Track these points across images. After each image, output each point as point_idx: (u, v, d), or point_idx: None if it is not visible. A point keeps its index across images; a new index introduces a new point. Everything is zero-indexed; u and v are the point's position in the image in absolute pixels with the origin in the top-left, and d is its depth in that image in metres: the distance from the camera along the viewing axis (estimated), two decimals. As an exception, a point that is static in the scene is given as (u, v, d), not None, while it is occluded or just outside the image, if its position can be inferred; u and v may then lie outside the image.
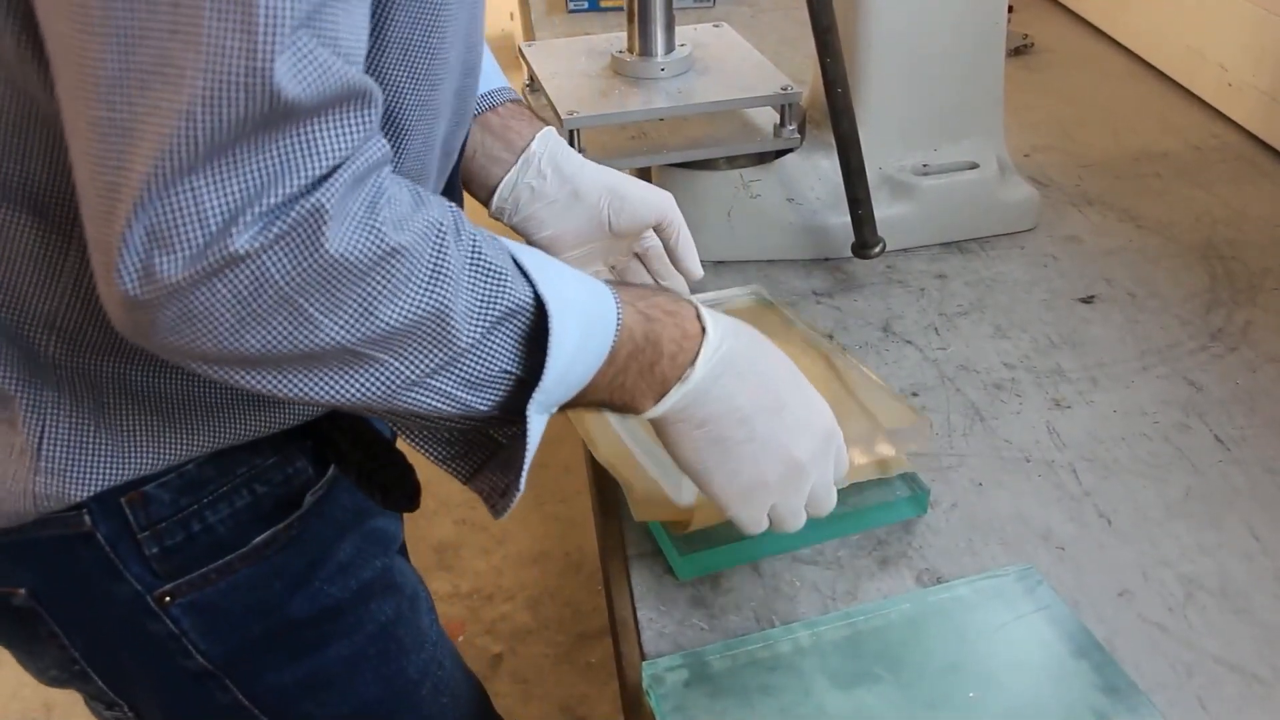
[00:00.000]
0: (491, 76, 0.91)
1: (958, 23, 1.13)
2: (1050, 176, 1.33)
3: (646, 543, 0.82)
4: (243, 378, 0.53)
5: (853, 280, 1.14)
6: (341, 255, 0.50)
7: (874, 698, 0.68)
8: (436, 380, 0.56)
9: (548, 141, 0.89)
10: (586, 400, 0.64)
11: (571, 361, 0.59)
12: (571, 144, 1.10)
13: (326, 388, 0.54)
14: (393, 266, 0.52)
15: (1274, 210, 1.24)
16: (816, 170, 1.16)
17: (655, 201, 0.91)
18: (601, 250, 0.92)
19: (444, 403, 0.58)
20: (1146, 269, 1.14)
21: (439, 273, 0.54)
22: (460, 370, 0.57)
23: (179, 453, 0.66)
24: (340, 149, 0.49)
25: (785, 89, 1.13)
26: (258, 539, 0.71)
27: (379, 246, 0.51)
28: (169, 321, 0.49)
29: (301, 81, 0.46)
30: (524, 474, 0.62)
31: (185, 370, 0.63)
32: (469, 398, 0.58)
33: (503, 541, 2.18)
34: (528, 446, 0.60)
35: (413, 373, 0.55)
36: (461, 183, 0.86)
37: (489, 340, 0.57)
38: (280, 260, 0.49)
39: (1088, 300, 1.10)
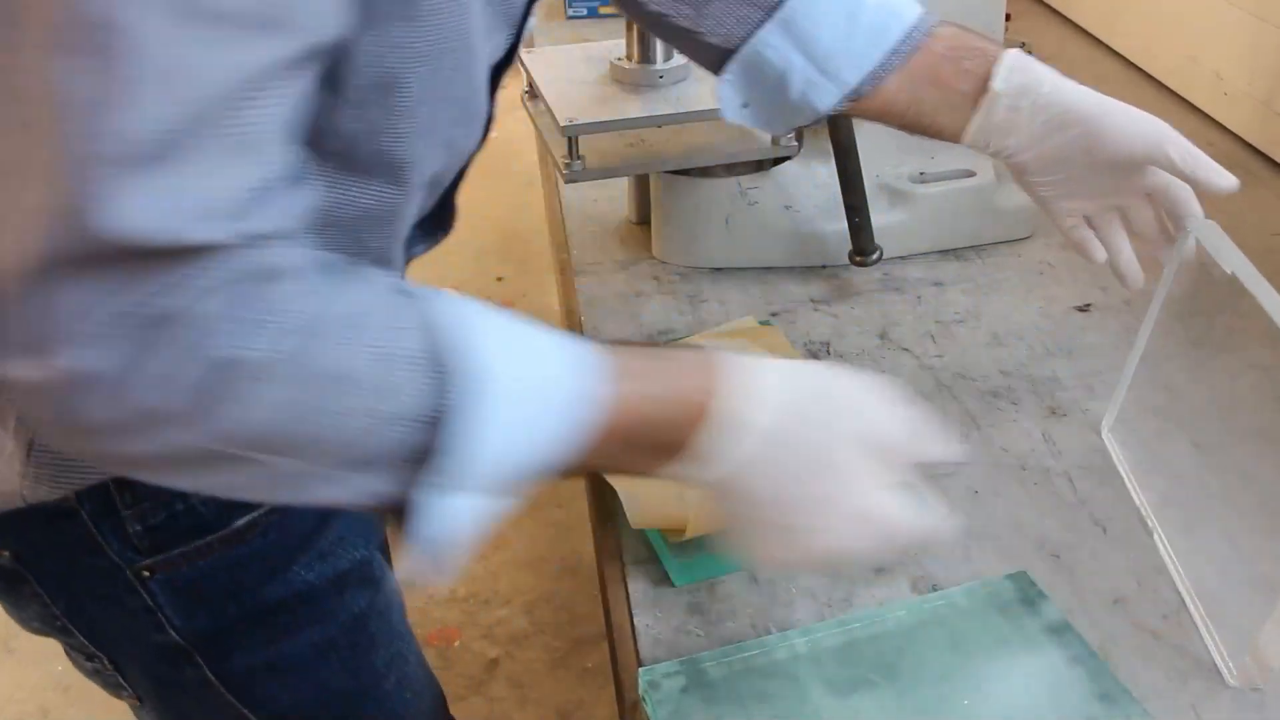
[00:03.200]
0: (900, 10, 0.81)
1: (955, 31, 1.13)
2: (1047, 184, 1.33)
3: (643, 549, 0.83)
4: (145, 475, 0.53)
5: (850, 288, 1.14)
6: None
7: (870, 705, 0.69)
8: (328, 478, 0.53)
9: (1011, 76, 0.79)
10: (572, 471, 0.58)
11: (502, 451, 0.53)
12: (570, 151, 1.10)
13: (214, 485, 0.53)
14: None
15: (1268, 218, 1.25)
16: (814, 178, 1.16)
17: (1141, 132, 0.78)
18: (1090, 184, 0.82)
19: (349, 495, 0.54)
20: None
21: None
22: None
23: None
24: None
25: (783, 96, 1.13)
26: (239, 522, 0.71)
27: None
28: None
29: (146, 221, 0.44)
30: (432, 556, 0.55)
31: None
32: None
33: (499, 546, 2.18)
34: (425, 525, 0.54)
35: (295, 470, 0.52)
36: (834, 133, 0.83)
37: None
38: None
39: (1084, 309, 1.10)
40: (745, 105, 0.85)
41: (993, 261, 1.18)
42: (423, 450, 0.51)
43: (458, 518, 0.54)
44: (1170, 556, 0.80)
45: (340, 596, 0.78)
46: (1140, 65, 1.62)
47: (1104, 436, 0.91)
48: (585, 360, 0.57)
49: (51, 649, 0.80)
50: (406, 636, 0.87)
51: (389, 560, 0.88)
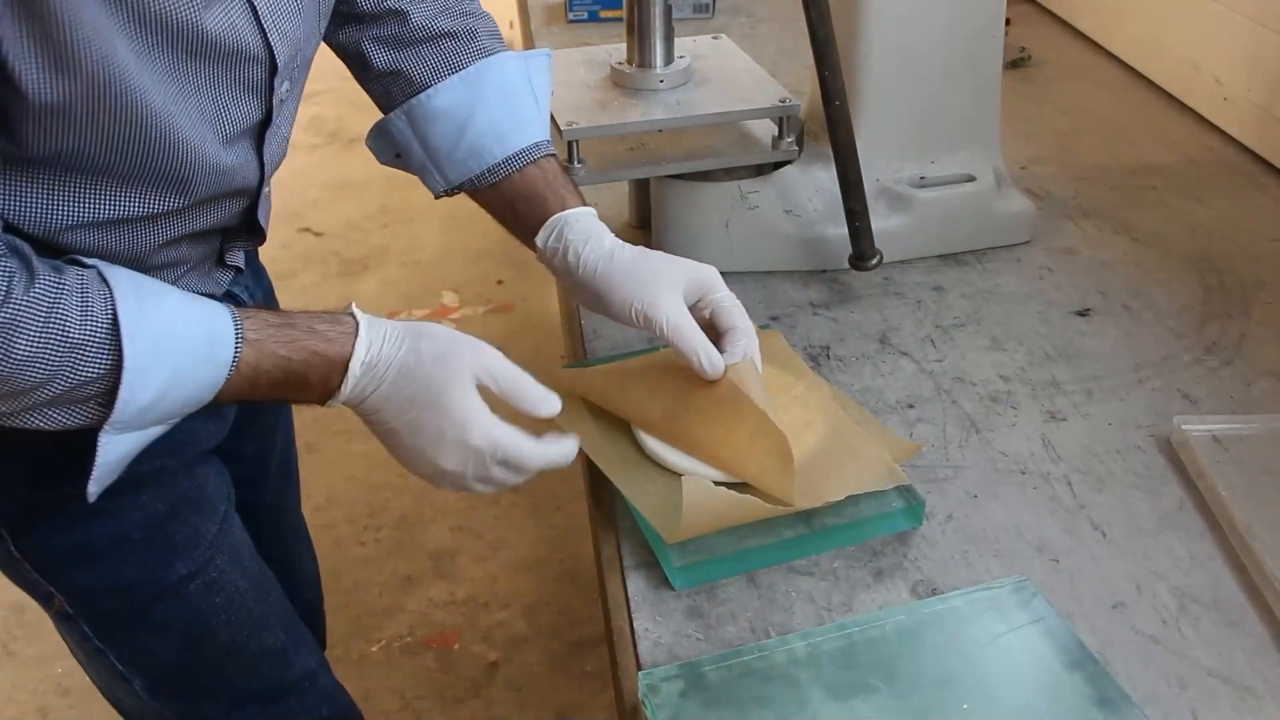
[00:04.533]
0: (507, 137, 0.93)
1: (955, 36, 1.14)
2: (1046, 189, 1.33)
3: (643, 552, 0.83)
4: None
5: (850, 292, 1.15)
6: None
7: (869, 709, 0.69)
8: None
9: (547, 236, 0.91)
10: (229, 402, 0.76)
11: (149, 405, 0.70)
12: (570, 156, 1.10)
13: None
14: None
15: (1268, 223, 1.25)
16: (814, 182, 1.16)
17: (639, 299, 0.86)
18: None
19: (52, 425, 0.71)
20: (1141, 282, 1.15)
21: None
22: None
23: None
24: None
25: (783, 101, 1.13)
26: None
27: None
28: None
29: None
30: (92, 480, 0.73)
31: None
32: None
33: (498, 549, 2.18)
34: (95, 461, 0.72)
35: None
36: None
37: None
38: None
39: (1083, 313, 1.10)
40: (398, 156, 0.98)
41: (992, 266, 1.18)
42: (95, 399, 0.70)
43: (122, 447, 0.73)
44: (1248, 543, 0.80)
45: (136, 495, 0.87)
46: (1141, 70, 1.62)
47: (1177, 424, 0.92)
48: (221, 331, 0.72)
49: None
50: (220, 547, 0.94)
51: (218, 475, 0.97)
